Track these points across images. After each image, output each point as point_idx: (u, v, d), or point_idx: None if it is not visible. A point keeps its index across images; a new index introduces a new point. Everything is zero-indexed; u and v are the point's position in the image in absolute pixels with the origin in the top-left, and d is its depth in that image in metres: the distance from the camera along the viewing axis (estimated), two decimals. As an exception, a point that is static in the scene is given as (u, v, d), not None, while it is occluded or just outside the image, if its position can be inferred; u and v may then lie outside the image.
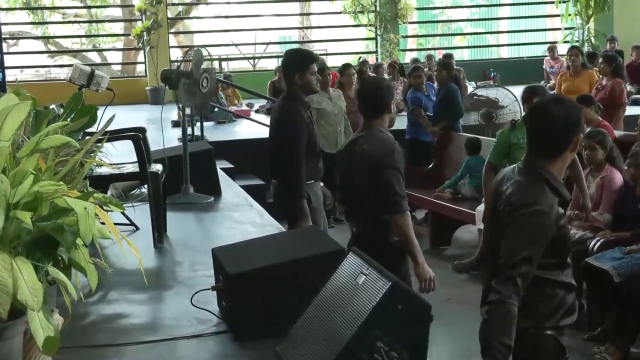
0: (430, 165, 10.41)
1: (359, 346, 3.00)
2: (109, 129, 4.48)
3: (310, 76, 5.83)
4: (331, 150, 9.62)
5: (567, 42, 19.60)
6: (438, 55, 18.49)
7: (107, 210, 3.32)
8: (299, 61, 5.87)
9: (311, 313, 3.38)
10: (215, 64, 18.09)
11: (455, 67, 16.04)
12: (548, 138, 3.30)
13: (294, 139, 5.69)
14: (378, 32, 19.96)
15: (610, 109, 10.17)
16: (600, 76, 11.00)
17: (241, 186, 8.37)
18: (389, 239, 4.82)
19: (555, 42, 19.32)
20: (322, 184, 6.11)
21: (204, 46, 8.58)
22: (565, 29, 20.48)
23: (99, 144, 4.56)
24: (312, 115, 6.16)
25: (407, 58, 19.94)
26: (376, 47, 20.35)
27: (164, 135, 6.96)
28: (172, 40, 20.51)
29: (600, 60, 10.87)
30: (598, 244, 6.58)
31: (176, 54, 19.56)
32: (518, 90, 14.45)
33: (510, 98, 12.11)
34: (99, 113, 4.77)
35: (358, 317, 3.05)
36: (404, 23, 20.32)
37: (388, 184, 4.71)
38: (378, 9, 19.84)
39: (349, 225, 5.19)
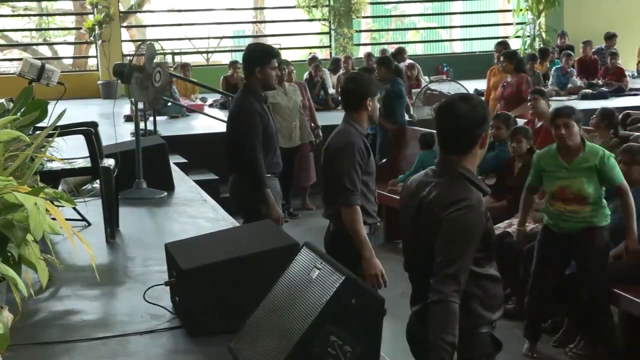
0: (385, 160, 10.46)
1: (312, 340, 3.00)
2: (60, 123, 4.43)
3: (270, 71, 5.87)
4: (286, 145, 9.63)
5: (519, 37, 19.78)
6: (391, 49, 18.55)
7: (58, 206, 3.28)
8: (260, 55, 5.90)
9: (265, 308, 3.38)
10: (168, 58, 17.95)
11: (411, 62, 16.20)
12: (456, 136, 3.35)
13: (250, 132, 5.73)
14: (332, 26, 19.97)
15: (518, 103, 10.34)
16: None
17: (195, 181, 8.33)
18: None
19: (507, 37, 19.47)
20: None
21: (157, 40, 8.54)
22: (517, 24, 20.65)
23: (50, 139, 4.51)
24: (271, 110, 6.19)
25: (360, 52, 19.96)
26: (330, 41, 20.35)
27: (117, 130, 6.91)
28: (125, 34, 20.31)
29: (502, 58, 11.00)
30: (549, 236, 6.65)
31: (129, 48, 19.37)
32: (471, 85, 14.63)
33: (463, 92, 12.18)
34: (50, 108, 4.71)
35: (311, 312, 3.05)
36: (357, 17, 20.33)
37: (337, 176, 4.74)
38: (332, 3, 19.83)
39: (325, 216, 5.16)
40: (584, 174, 5.86)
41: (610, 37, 17.95)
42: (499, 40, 16.21)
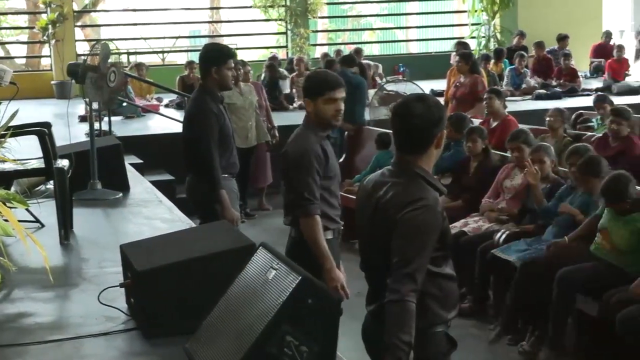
0: (342, 159, 10.47)
1: (269, 341, 2.99)
2: (12, 124, 4.39)
3: (227, 71, 5.86)
4: (242, 145, 9.61)
5: (474, 37, 19.91)
6: (348, 49, 18.60)
7: (10, 207, 3.25)
8: (217, 55, 5.89)
9: (221, 309, 3.36)
10: (123, 57, 17.82)
11: (368, 62, 16.25)
12: (412, 136, 3.36)
13: (205, 132, 5.71)
14: (288, 26, 19.96)
15: (471, 103, 10.44)
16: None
17: (150, 182, 8.28)
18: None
19: (462, 38, 19.60)
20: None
21: (112, 40, 8.48)
22: (472, 24, 20.81)
23: (2, 140, 4.46)
24: (227, 111, 6.18)
25: (317, 53, 19.98)
26: (287, 41, 20.35)
27: (71, 130, 6.87)
28: (79, 33, 20.09)
29: (457, 58, 11.09)
30: (504, 236, 6.71)
31: (83, 48, 19.19)
32: (427, 85, 14.70)
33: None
34: (2, 108, 4.66)
35: (268, 312, 3.04)
36: (314, 18, 20.35)
37: (296, 186, 4.59)
38: (288, 3, 19.82)
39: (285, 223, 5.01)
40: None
41: (562, 39, 18.17)
42: (458, 40, 16.36)
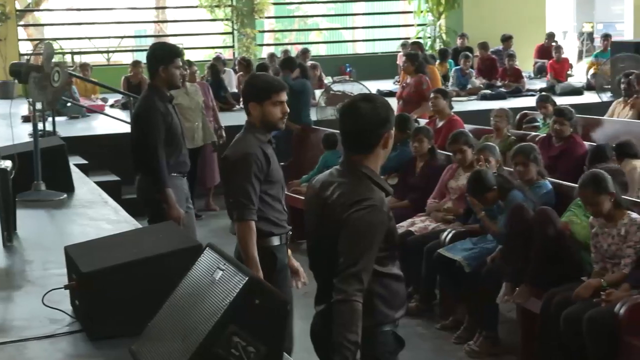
0: (289, 160, 10.46)
1: (215, 342, 2.97)
2: (-47, 124, 4.31)
3: (174, 70, 5.89)
4: (189, 146, 9.52)
5: (420, 38, 20.06)
6: (295, 50, 18.61)
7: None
8: (164, 54, 5.92)
9: (167, 310, 3.33)
10: (67, 57, 17.62)
11: (315, 62, 16.26)
12: (358, 136, 3.38)
13: (151, 130, 5.73)
14: (235, 26, 19.90)
15: (417, 104, 10.51)
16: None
17: (96, 182, 8.18)
18: (259, 244, 4.60)
19: (408, 39, 19.73)
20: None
21: (55, 39, 8.37)
22: (418, 25, 20.95)
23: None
24: (176, 110, 6.18)
25: (264, 53, 19.95)
26: (233, 41, 20.28)
27: (14, 131, 6.76)
28: (22, 32, 19.85)
29: (404, 59, 11.17)
30: (450, 235, 6.76)
31: (26, 47, 18.95)
32: (373, 85, 14.77)
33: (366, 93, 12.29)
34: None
35: (215, 313, 3.02)
36: (260, 18, 20.33)
37: (233, 190, 4.56)
38: (234, 3, 19.77)
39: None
40: None
41: (506, 39, 18.39)
42: (413, 40, 16.45)
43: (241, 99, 14.37)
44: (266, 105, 4.60)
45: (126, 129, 6.28)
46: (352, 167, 3.40)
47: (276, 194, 4.69)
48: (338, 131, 10.08)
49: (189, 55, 15.89)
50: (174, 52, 5.99)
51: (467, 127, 8.86)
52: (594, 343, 5.15)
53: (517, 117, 10.07)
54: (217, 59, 15.82)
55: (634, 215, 5.50)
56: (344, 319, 3.20)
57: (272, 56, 16.75)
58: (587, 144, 8.07)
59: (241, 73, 15.10)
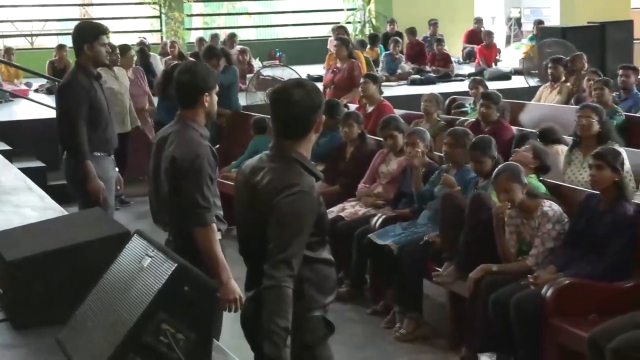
0: (218, 145, 10.38)
1: (144, 330, 2.93)
2: None
3: (100, 47, 5.86)
4: (119, 130, 9.44)
5: (350, 22, 20.06)
6: (223, 35, 18.45)
7: None
8: (88, 32, 5.90)
9: (94, 298, 3.28)
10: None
11: (244, 47, 16.14)
12: (290, 122, 3.37)
13: (72, 104, 5.74)
14: (162, 10, 19.65)
15: (348, 89, 10.55)
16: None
17: (20, 169, 8.01)
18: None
19: (338, 23, 19.71)
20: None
21: (-24, 22, 8.17)
22: (347, 10, 20.94)
23: None
24: (103, 88, 6.14)
25: (192, 37, 19.74)
26: (161, 25, 20.03)
27: None
28: (-59, 16, 19.36)
29: (336, 44, 11.16)
30: (380, 220, 6.77)
31: (-55, 31, 18.48)
32: (303, 70, 14.73)
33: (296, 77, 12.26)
34: None
35: (143, 300, 2.98)
36: (188, 1, 20.12)
37: (189, 194, 4.24)
38: (162, -14, 19.53)
39: (163, 229, 4.69)
40: None
41: (433, 24, 18.50)
42: (337, 25, 16.43)
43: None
44: (212, 95, 4.41)
45: (51, 114, 6.18)
46: (282, 152, 3.39)
47: (216, 190, 4.47)
48: (267, 116, 10.08)
49: (115, 40, 15.64)
50: (98, 30, 5.96)
51: (397, 112, 8.89)
52: (520, 325, 5.22)
53: (447, 101, 10.13)
54: (141, 43, 15.60)
55: (546, 207, 5.59)
56: (274, 304, 3.19)
57: (200, 40, 16.60)
58: (514, 128, 8.16)
59: (169, 57, 14.95)
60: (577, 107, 7.68)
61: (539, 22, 18.24)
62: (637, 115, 8.99)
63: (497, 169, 5.76)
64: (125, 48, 10.76)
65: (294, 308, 3.22)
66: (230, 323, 4.28)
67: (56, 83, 11.48)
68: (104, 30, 6.02)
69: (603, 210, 5.39)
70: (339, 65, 10.95)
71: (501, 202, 5.66)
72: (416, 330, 6.26)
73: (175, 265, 3.00)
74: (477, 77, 11.23)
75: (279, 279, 3.19)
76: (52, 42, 19.12)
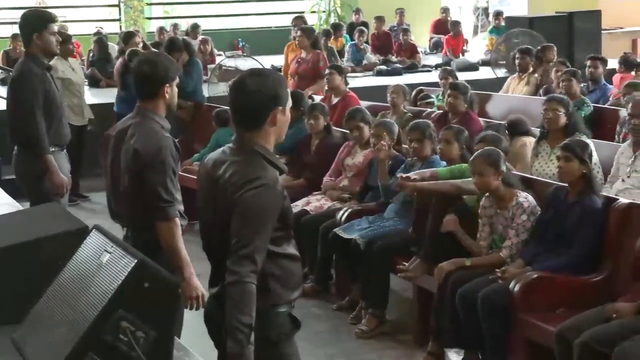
0: (179, 138, 10.23)
1: (103, 328, 2.85)
2: None
3: (50, 36, 5.68)
4: (77, 123, 9.35)
5: (314, 12, 19.99)
6: (185, 24, 18.28)
7: None
8: (36, 20, 5.73)
9: (51, 296, 3.20)
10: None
11: (206, 37, 16.00)
12: (247, 112, 3.30)
13: (27, 95, 5.54)
14: (121, -2, 19.41)
15: (312, 80, 10.45)
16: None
17: (-29, 163, 7.86)
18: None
19: (303, 12, 19.60)
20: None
21: None
22: (313, -2, 20.85)
23: None
24: (54, 79, 5.95)
25: (152, 26, 19.52)
26: (120, 14, 19.78)
27: None
28: None
29: (299, 33, 11.04)
30: (346, 214, 6.69)
31: None
32: (267, 60, 14.61)
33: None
34: None
35: (102, 298, 2.90)
36: (148, -11, 19.93)
37: (152, 187, 4.17)
38: (121, -27, 19.30)
39: (119, 224, 4.64)
40: None
41: (400, 13, 18.45)
42: (296, 15, 16.31)
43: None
44: (173, 87, 4.34)
45: (4, 105, 6.01)
46: (244, 145, 3.32)
47: (177, 184, 4.38)
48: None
49: (72, 29, 15.36)
50: (47, 18, 5.79)
51: (363, 104, 8.81)
52: (488, 320, 5.18)
53: (413, 93, 10.06)
54: (98, 33, 15.38)
55: (522, 198, 5.56)
56: (237, 301, 3.14)
57: (161, 30, 16.43)
58: (482, 120, 8.12)
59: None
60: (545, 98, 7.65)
61: (497, 14, 18.12)
62: (605, 106, 8.99)
63: (476, 153, 5.70)
64: (66, 37, 10.43)
65: (258, 304, 3.17)
66: (192, 319, 4.20)
67: (10, 73, 11.28)
68: (52, 18, 5.85)
69: (571, 202, 5.36)
70: (303, 55, 10.83)
71: (475, 184, 5.60)
72: (378, 328, 6.20)
73: (135, 261, 2.93)
74: (448, 68, 11.20)
75: (242, 274, 3.13)
76: (6, 31, 18.77)
